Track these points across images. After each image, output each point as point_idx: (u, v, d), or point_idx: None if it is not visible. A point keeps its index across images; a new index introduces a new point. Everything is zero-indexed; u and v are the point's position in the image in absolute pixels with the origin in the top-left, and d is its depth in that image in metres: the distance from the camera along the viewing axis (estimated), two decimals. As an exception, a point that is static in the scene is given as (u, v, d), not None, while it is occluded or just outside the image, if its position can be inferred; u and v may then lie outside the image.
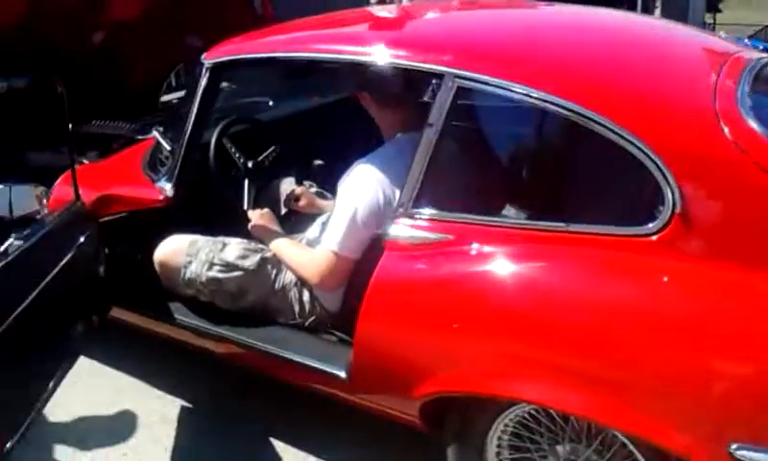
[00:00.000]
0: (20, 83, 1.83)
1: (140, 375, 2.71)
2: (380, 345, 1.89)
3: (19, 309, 1.57)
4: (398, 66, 1.89)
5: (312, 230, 2.45)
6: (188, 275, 2.29)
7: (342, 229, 2.05)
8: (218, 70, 2.19)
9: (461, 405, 1.87)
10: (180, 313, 2.38)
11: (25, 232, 1.79)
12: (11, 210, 2.21)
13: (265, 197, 2.64)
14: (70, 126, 2.04)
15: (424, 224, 1.81)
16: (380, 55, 1.94)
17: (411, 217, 1.84)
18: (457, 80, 1.76)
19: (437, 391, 1.83)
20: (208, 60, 2.20)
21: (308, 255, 2.18)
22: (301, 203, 2.61)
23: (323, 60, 2.07)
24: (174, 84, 4.68)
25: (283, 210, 2.67)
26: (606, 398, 1.62)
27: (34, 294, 1.66)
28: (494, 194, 1.86)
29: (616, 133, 1.64)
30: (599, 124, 1.65)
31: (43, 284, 1.71)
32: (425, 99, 1.91)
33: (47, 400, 1.84)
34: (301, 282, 2.28)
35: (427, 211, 1.82)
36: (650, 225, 1.61)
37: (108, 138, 3.22)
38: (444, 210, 1.81)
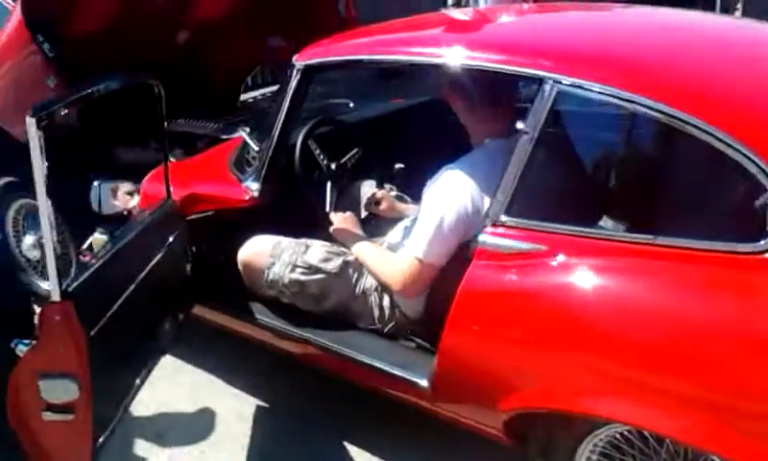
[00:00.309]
0: (118, 83, 1.85)
1: (219, 373, 2.74)
2: (466, 355, 1.85)
3: (114, 307, 1.60)
4: (494, 70, 1.84)
5: (393, 235, 2.43)
6: (271, 276, 2.29)
7: (427, 235, 2.01)
8: (308, 72, 2.19)
9: (548, 422, 1.81)
10: (261, 313, 2.39)
11: (118, 230, 1.83)
12: (99, 207, 2.25)
13: (345, 199, 2.64)
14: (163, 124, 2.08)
15: (517, 233, 1.76)
16: (475, 58, 1.90)
17: (503, 226, 1.79)
18: (557, 85, 1.70)
19: (524, 406, 1.78)
20: (299, 61, 2.21)
21: (391, 261, 2.15)
22: (382, 206, 2.59)
23: (416, 63, 2.04)
24: (250, 84, 4.75)
25: (363, 213, 2.65)
26: (706, 421, 1.54)
27: (126, 292, 1.68)
28: (590, 204, 1.79)
29: (724, 142, 1.55)
30: (706, 132, 1.57)
31: (135, 283, 1.74)
32: (518, 104, 1.85)
33: (134, 397, 1.87)
34: (382, 288, 2.25)
35: (520, 220, 1.76)
36: (762, 242, 1.52)
37: (193, 137, 3.27)
38: (537, 220, 1.75)
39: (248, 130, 2.70)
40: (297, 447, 2.38)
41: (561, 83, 1.70)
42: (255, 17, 3.72)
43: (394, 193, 2.75)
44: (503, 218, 1.80)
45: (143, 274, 1.81)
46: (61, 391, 1.44)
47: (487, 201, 1.96)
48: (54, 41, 2.81)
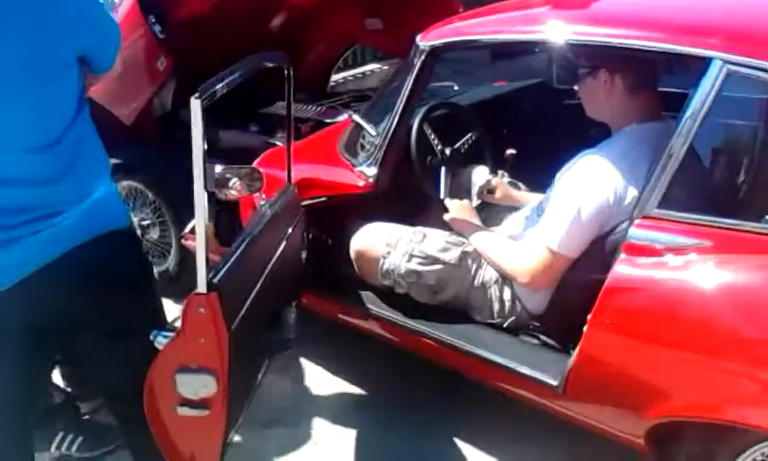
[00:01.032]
0: (255, 65, 1.76)
1: (322, 362, 2.68)
2: (609, 357, 1.72)
3: (249, 300, 1.54)
4: (651, 50, 1.69)
5: (512, 225, 2.31)
6: (387, 265, 2.21)
7: (563, 225, 1.88)
8: (434, 53, 2.07)
9: (700, 433, 1.66)
10: (374, 304, 2.30)
11: (252, 222, 1.77)
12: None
13: (456, 186, 2.53)
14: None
15: (674, 227, 1.61)
16: (629, 37, 1.75)
17: (655, 218, 1.64)
18: (727, 65, 1.54)
19: (673, 415, 1.64)
20: (425, 42, 2.09)
21: (518, 251, 2.03)
22: (498, 194, 2.47)
23: (557, 42, 1.90)
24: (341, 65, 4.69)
25: (475, 201, 2.53)
26: None
27: (258, 284, 1.62)
28: (758, 197, 1.63)
29: None
30: None
31: (264, 274, 1.68)
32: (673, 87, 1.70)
33: (256, 391, 1.82)
34: (503, 279, 2.14)
35: (678, 213, 1.61)
36: None
37: (295, 120, 3.21)
38: (698, 213, 1.60)
39: (360, 113, 2.61)
40: (404, 439, 2.29)
41: (731, 62, 1.53)
42: (354, -1, 3.63)
43: (507, 180, 2.63)
44: (656, 211, 1.65)
45: (271, 264, 1.74)
46: (200, 386, 1.37)
47: (631, 191, 1.82)
48: (164, 23, 2.78)
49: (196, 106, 1.32)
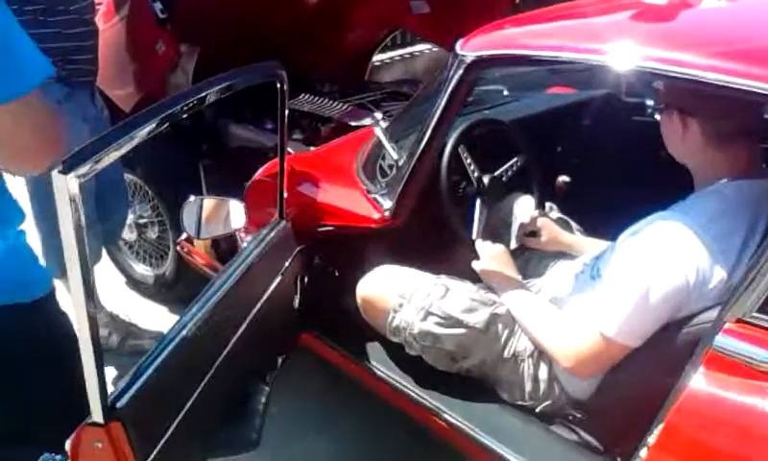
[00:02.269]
0: (242, 81, 1.43)
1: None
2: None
3: (187, 407, 1.14)
4: (746, 89, 1.22)
5: (557, 281, 1.87)
6: (397, 322, 1.79)
7: (624, 308, 1.44)
8: (477, 66, 1.61)
9: None
10: (379, 361, 1.90)
11: (230, 265, 1.38)
12: (198, 229, 1.74)
13: (493, 222, 2.08)
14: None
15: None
16: (713, 68, 1.28)
17: (757, 327, 1.19)
18: None
19: None
20: (468, 51, 1.62)
21: (563, 328, 1.59)
22: (543, 238, 2.02)
23: (630, 69, 1.41)
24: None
25: (514, 242, 2.09)
26: None
27: (210, 372, 1.23)
28: None
29: None
30: None
31: (228, 349, 1.28)
32: None
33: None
34: (539, 353, 1.70)
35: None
36: None
37: (314, 118, 2.79)
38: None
39: (382, 123, 2.18)
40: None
41: None
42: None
43: (555, 215, 2.17)
44: (756, 316, 1.19)
45: (238, 334, 1.35)
46: None
47: (717, 271, 1.37)
48: (167, 1, 2.39)
49: (61, 182, 0.91)
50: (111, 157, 1.03)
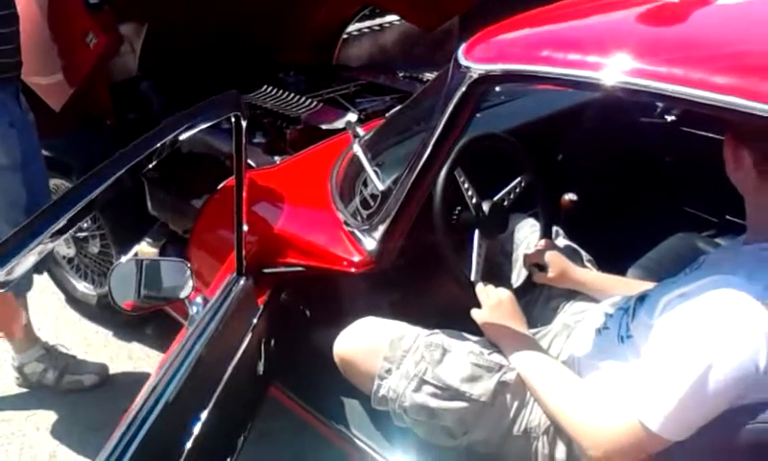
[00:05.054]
0: (205, 120, 1.16)
1: None
2: None
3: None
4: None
5: (573, 332, 1.57)
6: (384, 391, 1.47)
7: (674, 394, 1.13)
8: (486, 82, 1.26)
9: None
10: (359, 427, 1.59)
11: (183, 347, 1.08)
12: (138, 292, 1.35)
13: (492, 255, 1.77)
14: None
15: None
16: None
17: None
18: None
19: None
20: (473, 63, 1.27)
21: (590, 407, 1.29)
22: (552, 274, 1.70)
23: (680, 99, 1.09)
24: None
25: (518, 279, 1.79)
26: None
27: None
28: None
29: None
30: None
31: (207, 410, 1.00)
32: None
33: None
34: (556, 430, 1.41)
35: None
36: None
37: (279, 118, 2.42)
38: None
39: (359, 130, 1.84)
40: None
41: None
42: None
43: (563, 243, 1.86)
44: None
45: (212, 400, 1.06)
46: None
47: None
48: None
49: None
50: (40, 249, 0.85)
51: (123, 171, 0.95)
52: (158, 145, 1.02)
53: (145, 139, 1.02)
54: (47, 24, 2.10)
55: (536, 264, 1.72)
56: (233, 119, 1.24)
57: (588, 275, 1.75)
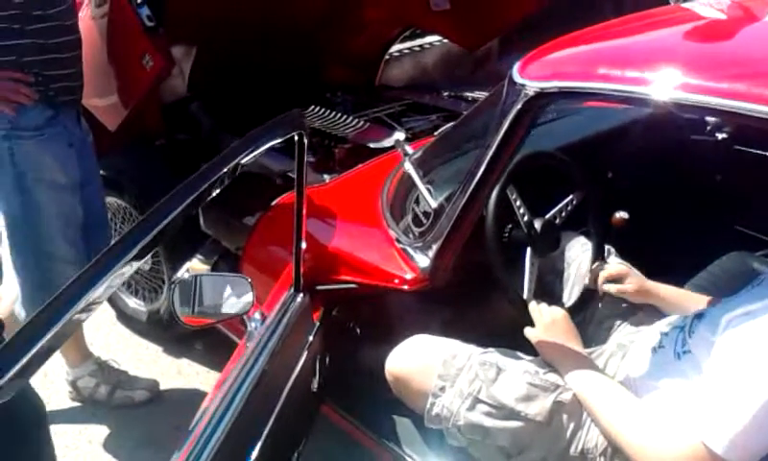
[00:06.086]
0: (269, 140, 1.23)
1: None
2: None
3: None
4: None
5: (628, 352, 1.54)
6: (437, 409, 1.47)
7: (741, 416, 1.11)
8: (541, 98, 1.27)
9: None
10: (411, 446, 1.58)
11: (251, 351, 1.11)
12: (200, 307, 1.33)
13: (545, 274, 1.76)
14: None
15: None
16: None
17: None
18: None
19: None
20: (528, 80, 1.28)
21: (651, 429, 1.27)
22: (629, 287, 1.66)
23: (737, 114, 1.07)
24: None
25: (569, 298, 1.77)
26: None
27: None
28: None
29: None
30: None
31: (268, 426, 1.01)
32: None
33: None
34: (614, 451, 1.38)
35: None
36: None
37: (328, 137, 2.44)
38: None
39: (408, 149, 1.85)
40: None
41: None
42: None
43: (614, 260, 1.83)
44: None
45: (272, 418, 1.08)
46: None
47: None
48: (156, 8, 2.04)
49: None
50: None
51: (198, 194, 0.97)
52: (225, 170, 1.04)
53: (213, 164, 1.05)
54: (105, 47, 2.17)
55: (611, 279, 1.70)
56: (297, 138, 1.26)
57: (666, 289, 1.71)
